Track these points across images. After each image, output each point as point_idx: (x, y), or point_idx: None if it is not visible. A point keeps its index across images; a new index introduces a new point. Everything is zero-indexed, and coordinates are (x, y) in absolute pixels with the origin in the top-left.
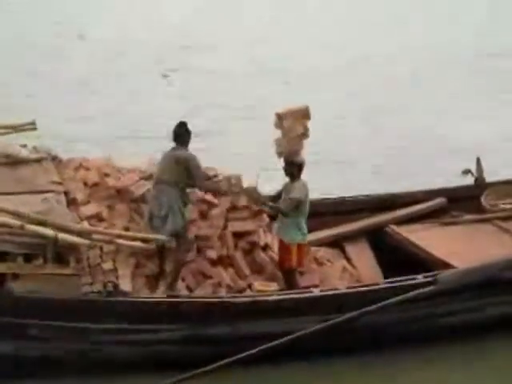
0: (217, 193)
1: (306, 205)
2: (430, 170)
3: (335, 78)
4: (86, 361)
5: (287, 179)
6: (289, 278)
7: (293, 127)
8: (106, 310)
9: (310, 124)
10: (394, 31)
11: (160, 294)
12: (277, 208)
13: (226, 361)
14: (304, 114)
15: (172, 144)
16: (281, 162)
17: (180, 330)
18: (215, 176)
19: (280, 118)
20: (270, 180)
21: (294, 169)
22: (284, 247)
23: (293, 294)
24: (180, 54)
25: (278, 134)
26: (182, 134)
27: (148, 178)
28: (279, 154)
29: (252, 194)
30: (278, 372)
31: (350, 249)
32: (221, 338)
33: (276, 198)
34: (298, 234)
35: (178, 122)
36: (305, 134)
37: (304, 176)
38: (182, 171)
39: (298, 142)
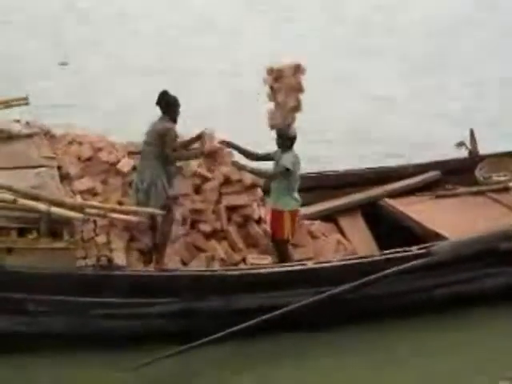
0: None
1: (295, 174)
2: None
3: None
4: (81, 335)
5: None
6: (281, 249)
7: (286, 100)
8: (100, 284)
9: (303, 97)
10: None
11: (154, 267)
12: (259, 171)
13: (220, 334)
14: (298, 88)
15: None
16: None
17: (174, 303)
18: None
19: (273, 90)
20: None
21: (286, 141)
22: (276, 217)
23: (287, 267)
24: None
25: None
26: (165, 102)
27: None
28: (272, 127)
29: (235, 164)
30: (271, 345)
31: (345, 222)
32: (215, 311)
33: (262, 158)
34: (291, 201)
35: (161, 90)
36: (297, 107)
37: None
38: (163, 143)
39: (291, 115)
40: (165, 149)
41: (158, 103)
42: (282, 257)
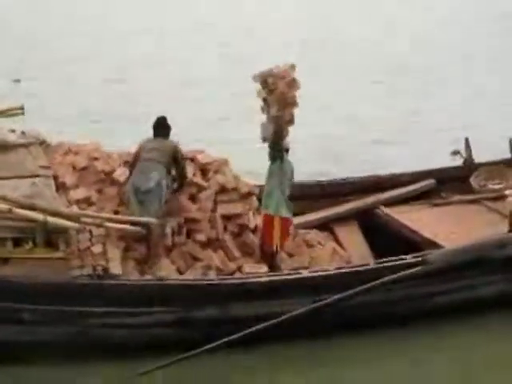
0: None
1: (289, 181)
2: None
3: None
4: (77, 344)
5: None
6: (269, 258)
7: (279, 113)
8: (96, 294)
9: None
10: None
11: (150, 276)
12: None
13: (216, 343)
14: (291, 102)
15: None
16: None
17: (170, 312)
18: None
19: (267, 103)
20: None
21: (278, 153)
22: (267, 221)
23: (282, 276)
24: None
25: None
26: (163, 126)
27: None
28: (264, 139)
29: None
30: (269, 353)
31: (340, 231)
32: (211, 320)
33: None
34: (282, 206)
35: (159, 116)
36: (291, 121)
37: None
38: (171, 160)
39: (284, 128)
40: (180, 167)
41: (159, 125)
42: (269, 264)
